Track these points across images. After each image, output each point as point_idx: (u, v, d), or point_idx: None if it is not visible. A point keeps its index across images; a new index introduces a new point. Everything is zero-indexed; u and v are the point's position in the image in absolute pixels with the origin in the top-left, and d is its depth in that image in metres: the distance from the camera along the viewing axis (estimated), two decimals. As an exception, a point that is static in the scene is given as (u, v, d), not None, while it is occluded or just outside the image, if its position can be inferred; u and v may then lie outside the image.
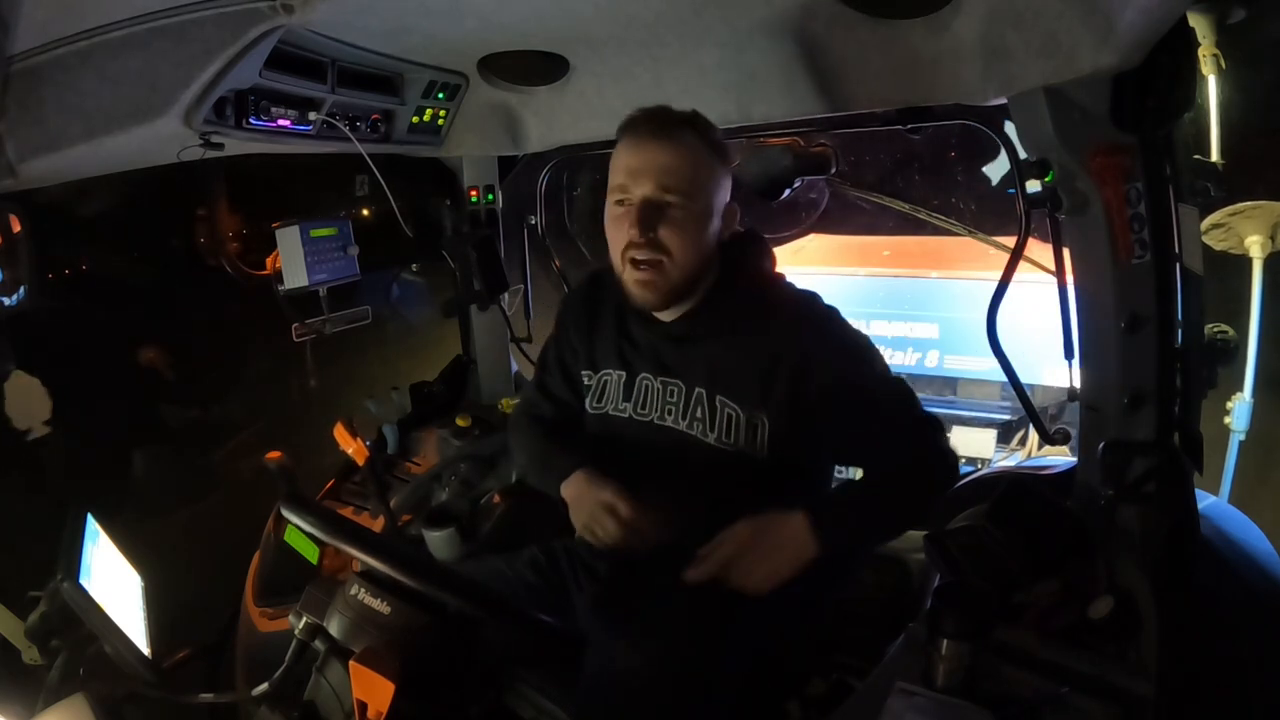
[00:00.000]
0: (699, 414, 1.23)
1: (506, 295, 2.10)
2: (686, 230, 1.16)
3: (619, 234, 1.18)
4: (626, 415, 1.29)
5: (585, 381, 1.35)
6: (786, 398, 1.19)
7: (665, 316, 1.26)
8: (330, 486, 1.92)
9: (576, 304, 1.40)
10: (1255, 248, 2.18)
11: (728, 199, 1.24)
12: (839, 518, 1.14)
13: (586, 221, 3.34)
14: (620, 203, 1.18)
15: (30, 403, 2.68)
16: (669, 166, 1.15)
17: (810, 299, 1.27)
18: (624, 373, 1.30)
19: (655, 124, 1.18)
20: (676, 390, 1.25)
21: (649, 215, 1.15)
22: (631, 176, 1.17)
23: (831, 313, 1.25)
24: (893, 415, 1.20)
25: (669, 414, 1.25)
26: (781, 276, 1.32)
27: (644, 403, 1.28)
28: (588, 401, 1.34)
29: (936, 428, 1.21)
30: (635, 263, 1.17)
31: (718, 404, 1.22)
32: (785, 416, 1.19)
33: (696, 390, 1.23)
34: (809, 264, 3.31)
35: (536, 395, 1.46)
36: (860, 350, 1.22)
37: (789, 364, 1.18)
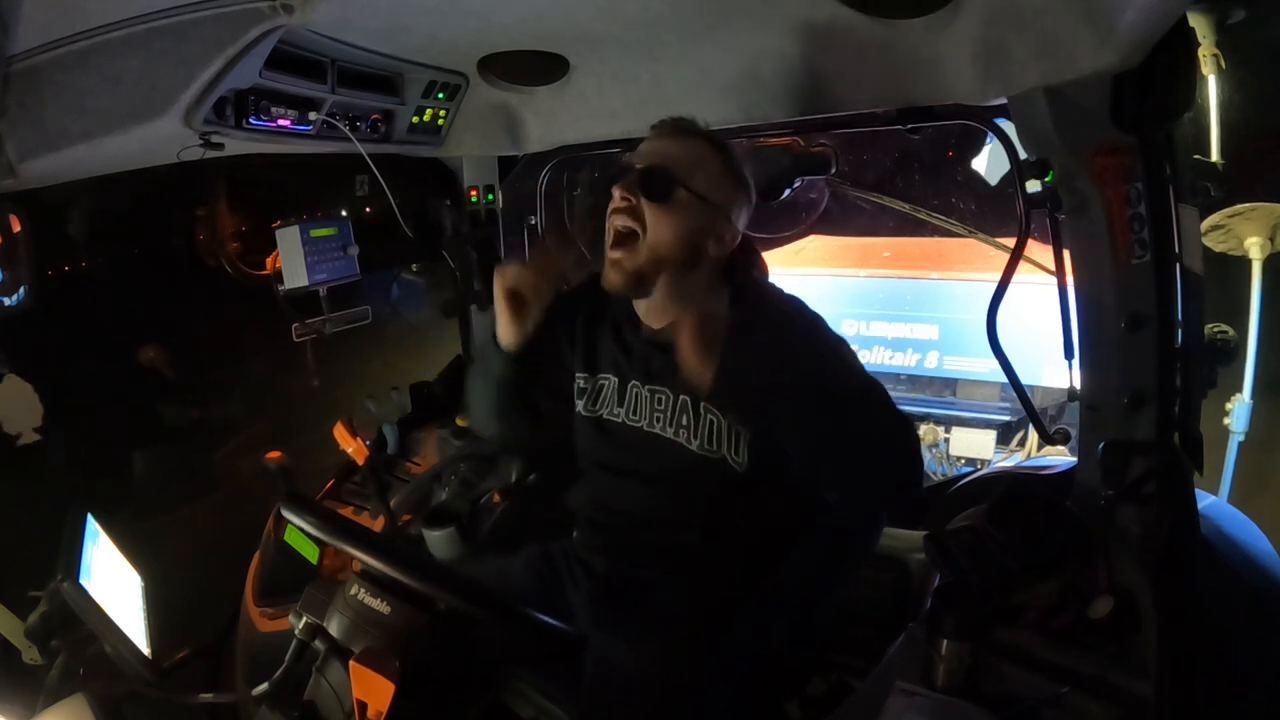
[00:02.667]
0: (684, 421, 1.23)
1: (506, 295, 2.09)
2: (668, 211, 1.16)
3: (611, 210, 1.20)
4: (621, 420, 1.30)
5: (580, 383, 1.35)
6: (766, 404, 1.16)
7: (654, 324, 1.27)
8: (330, 486, 1.92)
9: (579, 299, 1.37)
10: (1255, 249, 2.19)
11: (731, 222, 1.22)
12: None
13: (586, 221, 3.34)
14: None
15: (21, 408, 2.68)
16: (669, 151, 1.18)
17: (795, 304, 1.25)
18: (617, 379, 1.31)
19: (673, 123, 1.22)
20: (664, 398, 1.26)
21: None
22: (636, 160, 1.19)
23: (816, 319, 1.23)
24: (863, 415, 1.11)
25: (658, 421, 1.26)
26: (771, 285, 1.32)
27: (635, 409, 1.29)
28: (582, 404, 1.34)
29: (908, 428, 1.15)
30: (615, 233, 1.18)
31: (702, 410, 1.22)
32: (765, 423, 1.17)
33: (682, 398, 1.24)
34: (809, 265, 3.31)
35: None
36: (839, 352, 1.19)
37: (769, 368, 1.14)
